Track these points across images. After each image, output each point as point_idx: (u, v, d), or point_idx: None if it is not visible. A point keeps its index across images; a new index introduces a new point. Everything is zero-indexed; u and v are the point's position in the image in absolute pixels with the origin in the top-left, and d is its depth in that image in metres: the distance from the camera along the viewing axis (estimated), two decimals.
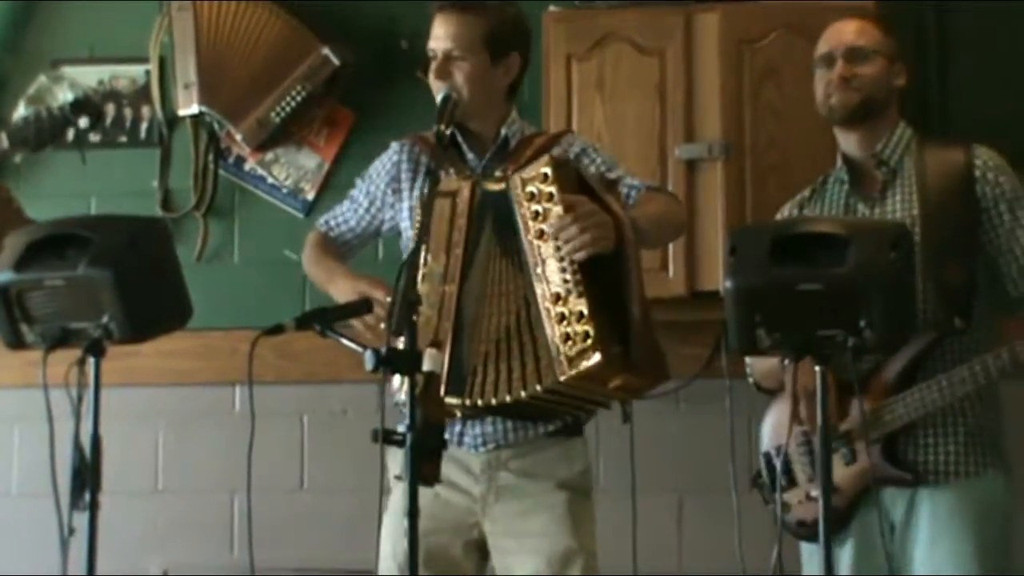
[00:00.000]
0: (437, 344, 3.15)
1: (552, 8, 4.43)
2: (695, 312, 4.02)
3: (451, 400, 3.23)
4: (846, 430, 3.44)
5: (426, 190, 3.21)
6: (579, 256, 3.20)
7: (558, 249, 3.22)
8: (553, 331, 3.20)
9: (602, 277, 3.23)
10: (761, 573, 3.12)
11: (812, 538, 3.49)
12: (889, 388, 3.41)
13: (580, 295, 3.19)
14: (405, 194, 3.56)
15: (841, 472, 3.39)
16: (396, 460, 3.41)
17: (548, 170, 3.27)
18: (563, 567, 3.37)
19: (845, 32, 3.58)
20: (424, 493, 2.84)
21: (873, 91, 3.53)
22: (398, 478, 2.95)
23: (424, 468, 2.85)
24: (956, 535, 3.39)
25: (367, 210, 3.65)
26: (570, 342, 3.18)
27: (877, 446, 3.42)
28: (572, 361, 3.17)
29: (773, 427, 3.67)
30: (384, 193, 3.60)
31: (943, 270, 3.40)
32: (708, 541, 4.40)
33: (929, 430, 3.44)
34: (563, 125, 4.35)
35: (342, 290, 3.45)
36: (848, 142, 3.60)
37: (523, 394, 3.22)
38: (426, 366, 2.87)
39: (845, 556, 3.47)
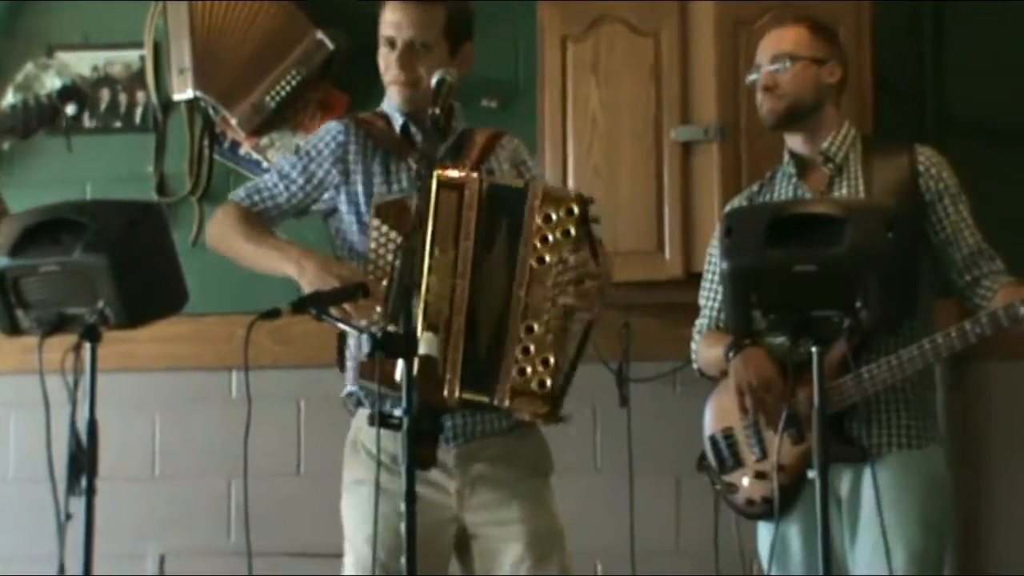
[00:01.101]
0: (434, 328, 3.14)
1: None
2: (691, 294, 4.01)
3: (470, 396, 3.21)
4: (795, 411, 3.49)
5: (420, 177, 3.19)
6: (568, 305, 3.22)
7: (551, 284, 3.22)
8: (512, 356, 3.20)
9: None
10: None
11: (761, 516, 3.61)
12: (833, 371, 3.43)
13: (552, 343, 3.20)
14: (355, 176, 3.48)
15: (788, 451, 3.45)
16: (358, 463, 3.44)
17: (576, 207, 3.25)
18: (548, 548, 3.40)
19: (769, 42, 3.69)
20: (396, 493, 2.84)
21: (797, 95, 3.62)
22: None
23: (421, 452, 2.85)
24: (900, 505, 3.45)
25: (301, 188, 3.51)
26: (524, 379, 3.19)
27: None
28: (517, 397, 3.18)
29: (714, 411, 3.72)
30: (328, 173, 3.49)
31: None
32: (705, 521, 4.40)
33: (872, 407, 3.52)
34: (558, 108, 4.36)
35: (308, 271, 3.31)
36: (793, 142, 3.70)
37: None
38: (422, 349, 2.86)
39: (793, 532, 3.54)
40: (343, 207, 3.50)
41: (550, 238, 3.24)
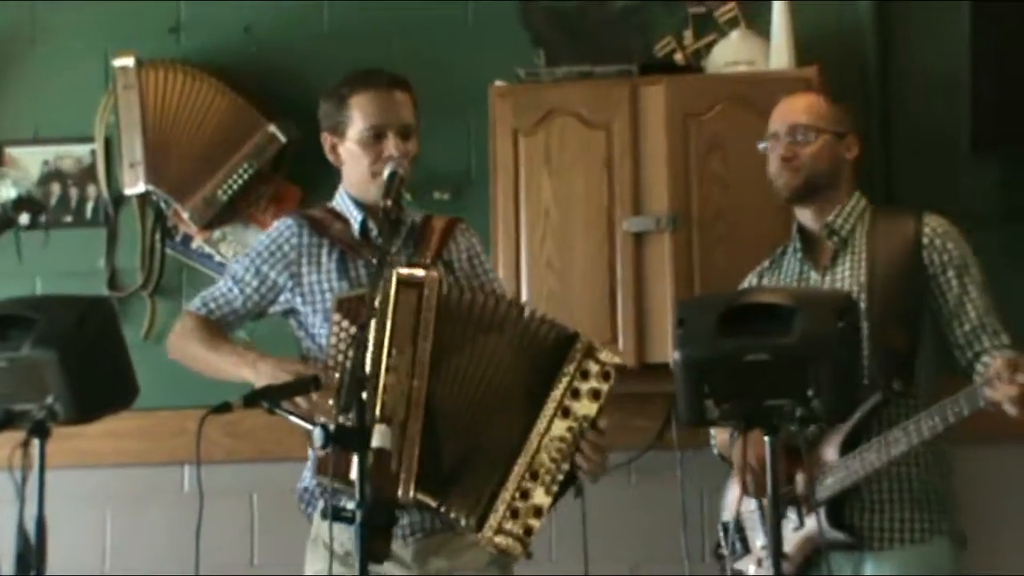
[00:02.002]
0: (388, 420, 3.12)
1: (498, 83, 4.45)
2: (645, 384, 4.01)
3: (423, 497, 3.18)
4: (793, 496, 3.46)
5: (371, 272, 3.18)
6: (584, 469, 3.22)
7: (570, 439, 3.20)
8: (507, 492, 3.17)
9: None
10: None
11: None
12: (835, 453, 3.41)
13: (549, 492, 3.18)
14: (307, 276, 3.48)
15: (789, 538, 3.41)
16: (316, 557, 3.41)
17: (613, 374, 3.24)
18: None
19: (790, 111, 3.64)
20: None
21: (816, 169, 3.58)
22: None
23: (373, 545, 2.83)
24: None
25: (256, 290, 3.52)
26: (512, 521, 3.16)
27: (822, 511, 3.44)
28: (499, 535, 3.16)
29: (728, 498, 3.67)
30: (280, 275, 3.50)
31: (886, 335, 3.42)
32: None
33: (875, 495, 3.47)
34: (511, 200, 4.36)
35: (263, 372, 3.30)
36: (803, 215, 3.67)
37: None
38: (376, 442, 2.85)
39: None
40: (303, 306, 3.49)
41: (579, 388, 3.22)
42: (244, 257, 3.58)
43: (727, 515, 3.66)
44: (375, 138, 3.46)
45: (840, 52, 4.54)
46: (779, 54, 4.40)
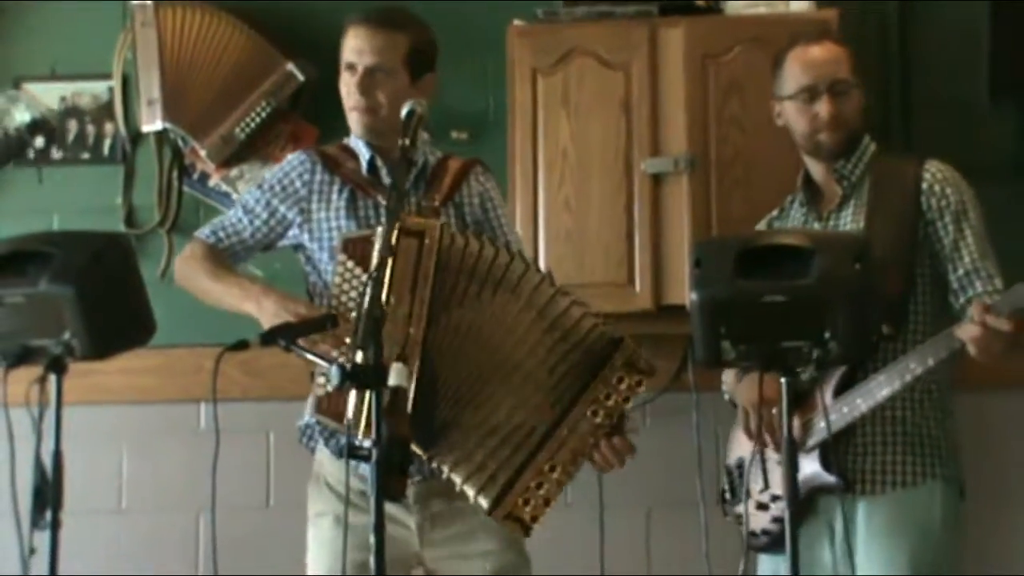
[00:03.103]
0: (404, 358, 3.12)
1: (516, 23, 4.43)
2: (662, 326, 4.02)
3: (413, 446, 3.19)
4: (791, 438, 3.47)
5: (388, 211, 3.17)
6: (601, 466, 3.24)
7: (594, 442, 3.20)
8: (528, 476, 3.17)
9: None
10: None
11: (763, 548, 3.55)
12: (830, 396, 3.41)
13: (561, 486, 3.19)
14: (320, 212, 3.49)
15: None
16: (319, 496, 3.42)
17: (643, 384, 3.24)
18: None
19: (826, 63, 3.57)
20: (360, 529, 2.82)
21: (856, 123, 3.58)
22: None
23: (391, 483, 2.83)
24: (890, 547, 3.41)
25: (265, 222, 3.53)
26: (528, 504, 3.17)
27: (814, 454, 3.44)
28: (509, 520, 3.17)
29: (732, 442, 3.69)
30: (291, 208, 3.51)
31: (880, 279, 3.38)
32: (676, 555, 4.39)
33: (867, 438, 3.48)
34: (529, 140, 4.35)
35: (266, 309, 3.32)
36: (814, 166, 3.65)
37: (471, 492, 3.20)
38: (392, 380, 2.85)
39: (783, 566, 3.49)
40: (310, 243, 3.49)
41: (609, 392, 3.21)
42: (256, 188, 3.57)
43: (728, 459, 3.67)
44: (348, 74, 3.49)
45: None
46: None
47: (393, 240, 3.11)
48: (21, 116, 4.85)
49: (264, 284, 3.39)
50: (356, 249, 3.27)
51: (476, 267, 3.23)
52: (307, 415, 3.43)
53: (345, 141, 3.57)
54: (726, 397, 3.71)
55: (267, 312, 3.31)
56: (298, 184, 3.50)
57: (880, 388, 3.38)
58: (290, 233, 3.51)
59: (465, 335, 3.22)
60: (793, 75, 3.59)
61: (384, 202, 3.37)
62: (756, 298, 2.86)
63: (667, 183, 4.29)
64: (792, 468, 2.89)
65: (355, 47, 3.46)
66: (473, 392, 3.20)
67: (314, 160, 3.53)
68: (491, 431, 3.18)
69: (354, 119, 3.48)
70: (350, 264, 3.26)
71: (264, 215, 3.52)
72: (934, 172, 3.55)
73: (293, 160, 3.55)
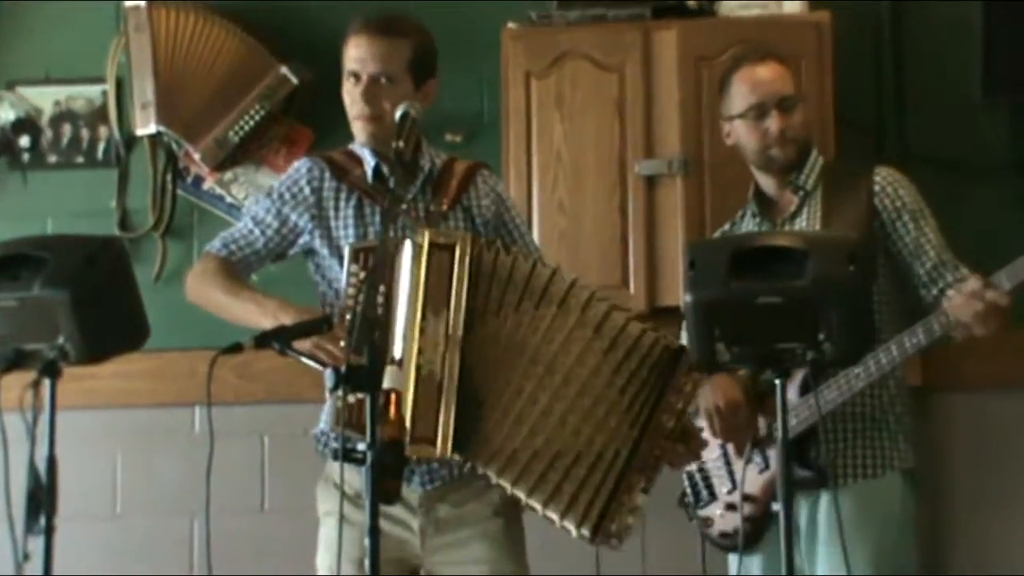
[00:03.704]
0: (399, 364, 3.12)
1: (510, 25, 4.43)
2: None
3: (455, 455, 3.15)
4: (758, 438, 3.50)
5: (386, 216, 3.17)
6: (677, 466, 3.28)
7: (666, 450, 3.19)
8: (622, 498, 3.16)
9: None
10: None
11: (734, 549, 3.60)
12: (795, 393, 3.46)
13: (645, 492, 3.18)
14: (326, 220, 3.46)
15: (754, 480, 3.46)
16: (327, 496, 3.42)
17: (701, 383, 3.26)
18: None
19: (772, 81, 3.66)
20: (362, 527, 2.83)
21: (805, 137, 3.67)
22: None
23: (385, 486, 2.83)
24: (853, 540, 3.40)
25: (277, 231, 3.49)
26: (615, 521, 3.14)
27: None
28: (607, 536, 3.14)
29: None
30: (302, 216, 3.47)
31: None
32: (672, 557, 4.39)
33: (830, 434, 3.53)
34: (523, 142, 4.36)
35: (286, 320, 3.25)
36: (764, 179, 3.72)
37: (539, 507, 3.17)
38: (387, 383, 2.85)
39: (756, 565, 3.57)
40: (322, 248, 3.48)
41: (674, 400, 3.19)
42: (265, 199, 3.55)
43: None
44: (352, 82, 3.46)
45: None
46: None
47: (424, 258, 3.13)
48: (5, 115, 4.85)
49: (280, 299, 3.37)
50: (366, 258, 3.26)
51: (511, 278, 3.21)
52: (323, 421, 3.44)
53: (350, 147, 3.56)
54: None
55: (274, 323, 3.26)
56: (307, 191, 3.48)
57: (858, 380, 3.45)
58: (301, 240, 3.50)
59: (506, 346, 3.19)
60: (741, 94, 3.68)
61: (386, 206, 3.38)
62: (750, 300, 2.86)
63: (661, 185, 4.30)
64: (788, 468, 2.89)
65: (358, 56, 3.45)
66: (527, 410, 3.16)
67: (322, 167, 3.51)
68: (575, 459, 3.14)
69: (359, 127, 3.47)
70: (362, 274, 3.25)
71: (275, 224, 3.50)
72: (884, 175, 3.63)
73: (301, 167, 3.53)
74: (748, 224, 3.74)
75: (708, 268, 2.90)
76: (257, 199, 3.68)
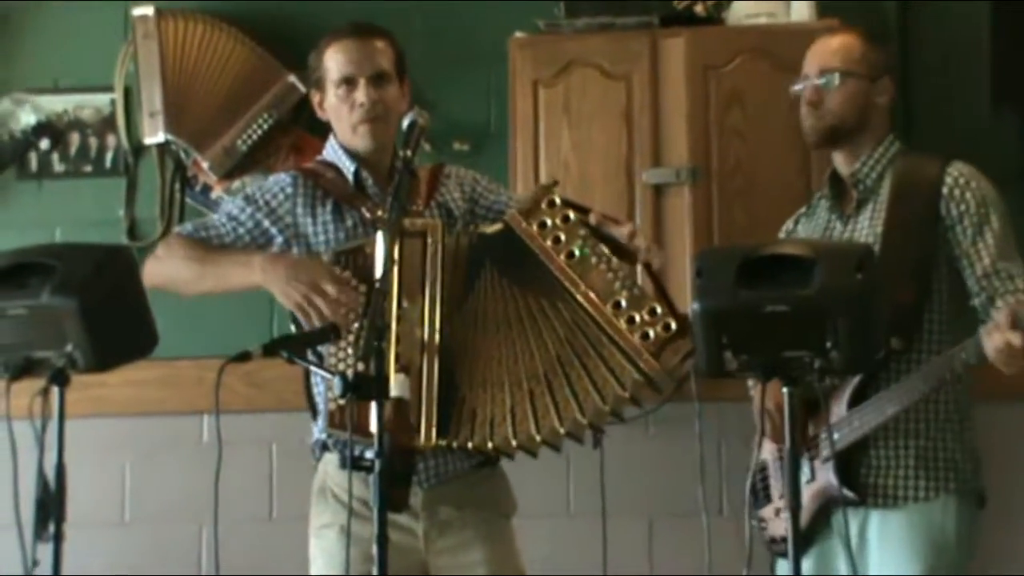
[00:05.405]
0: (406, 369, 3.13)
1: (518, 34, 4.43)
2: None
3: (443, 442, 3.20)
4: (808, 448, 3.46)
5: (384, 223, 3.18)
6: (657, 264, 3.32)
7: (598, 263, 3.23)
8: (627, 339, 3.21)
9: None
10: None
11: (784, 554, 3.52)
12: (844, 407, 3.41)
13: (645, 295, 3.25)
14: (303, 228, 3.46)
15: (802, 491, 3.41)
16: (325, 508, 3.42)
17: (556, 197, 3.28)
18: None
19: (822, 52, 3.60)
20: (364, 538, 2.83)
21: (842, 114, 3.55)
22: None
23: (393, 494, 2.84)
24: (903, 562, 3.39)
25: (249, 231, 3.48)
26: (650, 339, 3.21)
27: (830, 464, 3.43)
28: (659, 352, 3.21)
29: (758, 448, 3.67)
30: (274, 224, 3.47)
31: (893, 289, 3.36)
32: (679, 565, 4.38)
33: (881, 451, 3.45)
34: (530, 151, 4.36)
35: (277, 277, 3.30)
36: (836, 159, 3.64)
37: (575, 422, 3.23)
38: (394, 392, 2.85)
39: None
40: (301, 254, 3.47)
41: (560, 237, 3.24)
42: (242, 199, 3.53)
43: (757, 462, 3.66)
44: (346, 88, 3.45)
45: (861, 5, 4.51)
46: (800, 6, 4.38)
47: (395, 246, 3.14)
48: (27, 118, 4.86)
49: (265, 254, 3.36)
50: (348, 260, 3.27)
51: (484, 259, 3.25)
52: (317, 430, 3.44)
53: (322, 157, 3.57)
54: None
55: (277, 280, 3.29)
56: (280, 203, 3.47)
57: (888, 405, 3.38)
58: (274, 245, 3.48)
59: (482, 322, 3.26)
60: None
61: (369, 214, 3.38)
62: (758, 308, 2.86)
63: (668, 194, 4.30)
64: (794, 479, 2.89)
65: (351, 59, 3.45)
66: (498, 371, 3.25)
67: (295, 176, 3.51)
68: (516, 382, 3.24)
69: (364, 131, 3.46)
70: (345, 275, 3.26)
71: (249, 224, 3.49)
72: (956, 176, 3.50)
73: (278, 179, 3.52)
74: (821, 212, 3.66)
75: (715, 276, 2.90)
76: (233, 199, 3.67)
